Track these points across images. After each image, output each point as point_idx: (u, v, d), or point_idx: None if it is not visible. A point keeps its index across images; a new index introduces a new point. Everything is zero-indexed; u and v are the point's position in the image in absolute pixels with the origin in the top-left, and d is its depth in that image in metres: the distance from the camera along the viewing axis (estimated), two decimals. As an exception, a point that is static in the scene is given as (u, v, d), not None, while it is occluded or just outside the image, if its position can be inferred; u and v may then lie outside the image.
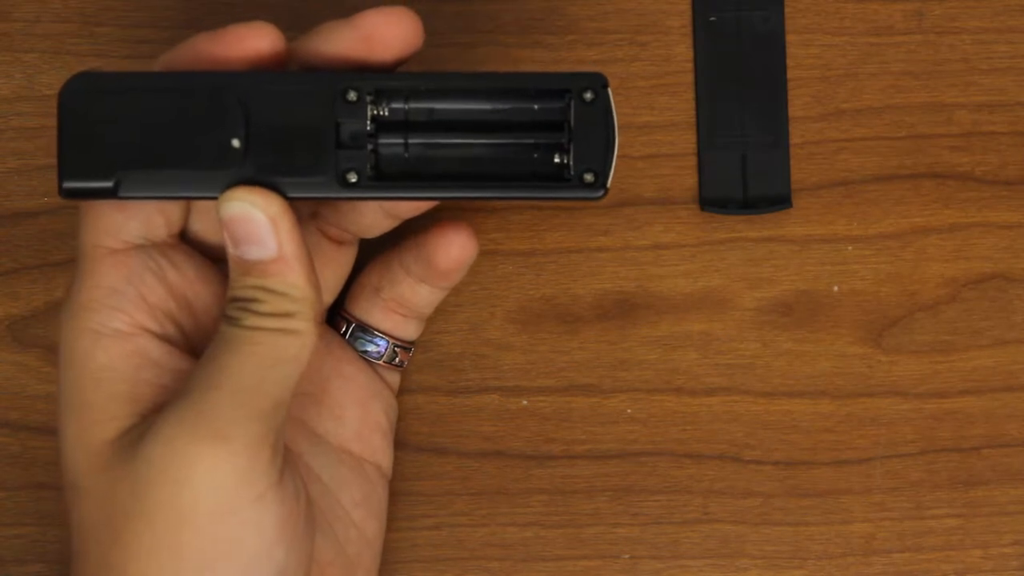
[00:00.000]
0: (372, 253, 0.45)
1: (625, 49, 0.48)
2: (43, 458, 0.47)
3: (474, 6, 0.48)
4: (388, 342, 0.45)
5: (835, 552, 0.47)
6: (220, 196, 0.37)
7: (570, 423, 0.47)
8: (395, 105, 0.39)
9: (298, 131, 0.38)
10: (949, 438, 0.47)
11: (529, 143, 0.39)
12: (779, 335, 0.47)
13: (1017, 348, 0.47)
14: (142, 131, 0.37)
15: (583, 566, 0.47)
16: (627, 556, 0.47)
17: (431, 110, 0.39)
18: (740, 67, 0.47)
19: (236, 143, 0.37)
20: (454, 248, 0.43)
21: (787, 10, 0.48)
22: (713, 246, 0.47)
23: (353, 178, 0.38)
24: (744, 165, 0.47)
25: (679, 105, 0.48)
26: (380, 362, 0.45)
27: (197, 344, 0.40)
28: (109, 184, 0.38)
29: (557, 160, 0.39)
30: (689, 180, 0.47)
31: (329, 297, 0.44)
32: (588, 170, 0.38)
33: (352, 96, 0.38)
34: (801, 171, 0.47)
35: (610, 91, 0.38)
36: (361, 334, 0.45)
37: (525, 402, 0.47)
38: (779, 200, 0.47)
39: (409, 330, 0.45)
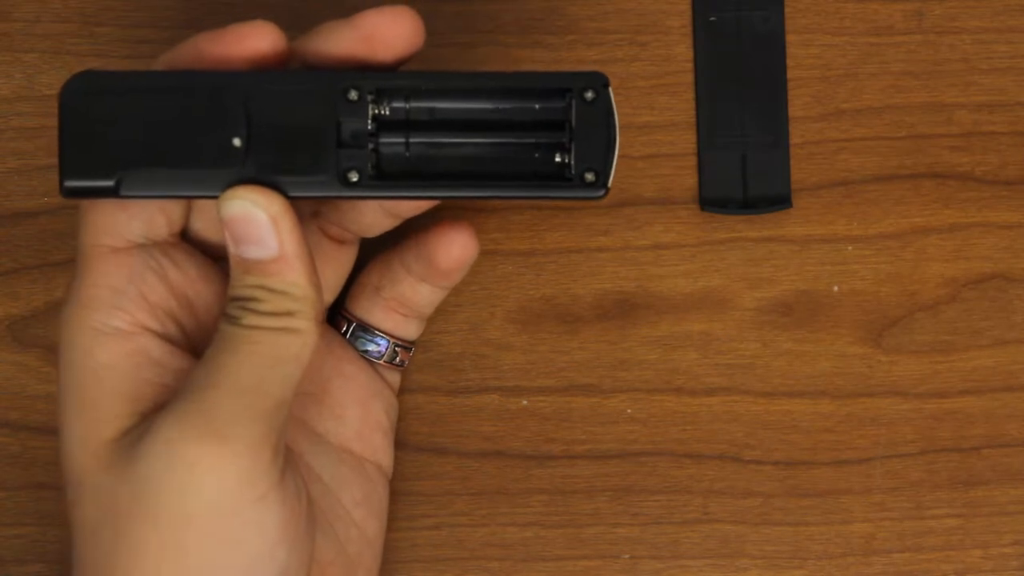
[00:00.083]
0: (373, 252, 0.45)
1: (625, 49, 0.48)
2: (43, 458, 0.47)
3: (474, 6, 0.48)
4: (389, 341, 0.45)
5: (835, 552, 0.47)
6: (221, 195, 0.37)
7: (570, 423, 0.47)
8: (396, 104, 0.39)
9: (299, 130, 0.38)
10: (949, 438, 0.47)
11: (530, 143, 0.39)
12: (779, 335, 0.47)
13: (1017, 348, 0.47)
14: (143, 130, 0.37)
15: (583, 566, 0.47)
16: (627, 556, 0.47)
17: (432, 109, 0.39)
18: (740, 67, 0.47)
19: (237, 142, 0.37)
20: (455, 248, 0.43)
21: (787, 10, 0.48)
22: (713, 246, 0.47)
23: (354, 177, 0.38)
24: (744, 165, 0.47)
25: (679, 105, 0.48)
26: (381, 362, 0.45)
27: (198, 343, 0.40)
28: (110, 183, 0.38)
29: (558, 159, 0.39)
30: (689, 180, 0.47)
31: (330, 296, 0.44)
32: (589, 169, 0.38)
33: (353, 95, 0.38)
34: (801, 171, 0.47)
35: (611, 91, 0.38)
36: (362, 333, 0.45)
37: (525, 402, 0.47)
38: (779, 200, 0.47)
39: (410, 330, 0.45)
